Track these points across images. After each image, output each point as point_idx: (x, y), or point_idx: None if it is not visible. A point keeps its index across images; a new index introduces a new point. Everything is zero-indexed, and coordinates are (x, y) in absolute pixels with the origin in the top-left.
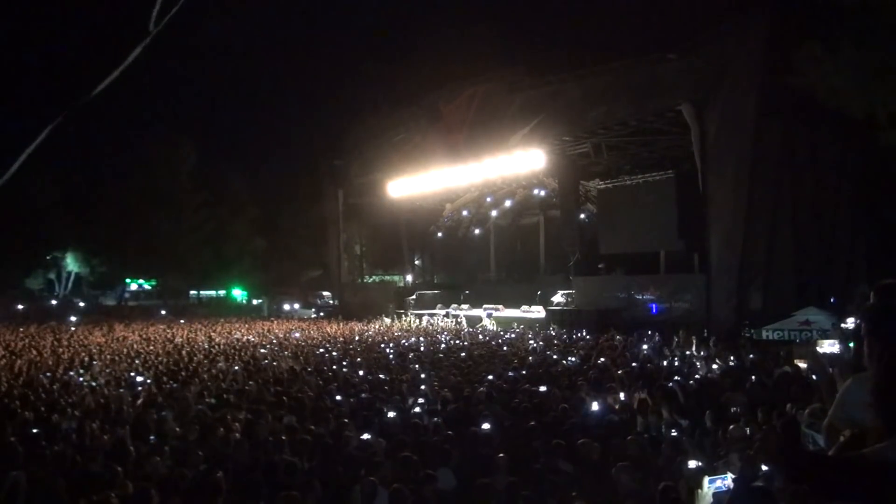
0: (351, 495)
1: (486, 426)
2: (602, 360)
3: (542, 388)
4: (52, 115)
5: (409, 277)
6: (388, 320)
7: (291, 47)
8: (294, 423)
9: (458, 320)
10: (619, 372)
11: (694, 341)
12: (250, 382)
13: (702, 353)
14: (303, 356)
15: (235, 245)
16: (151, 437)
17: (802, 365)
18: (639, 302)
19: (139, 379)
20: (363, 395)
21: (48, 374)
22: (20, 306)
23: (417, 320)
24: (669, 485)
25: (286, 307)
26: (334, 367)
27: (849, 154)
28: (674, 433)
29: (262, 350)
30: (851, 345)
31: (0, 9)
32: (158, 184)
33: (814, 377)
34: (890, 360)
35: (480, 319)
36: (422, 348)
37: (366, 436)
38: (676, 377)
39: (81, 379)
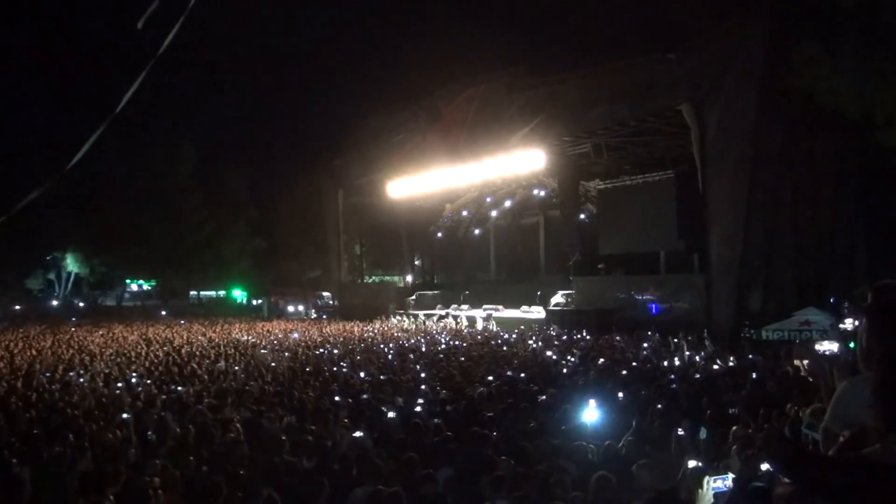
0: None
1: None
2: (602, 360)
3: (542, 398)
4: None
5: (409, 277)
6: (395, 320)
7: (291, 47)
8: (294, 423)
9: (459, 320)
10: (624, 372)
11: (703, 342)
12: (250, 382)
13: (702, 353)
14: (304, 356)
15: (235, 245)
16: (151, 437)
17: (802, 365)
18: (639, 302)
19: (139, 379)
20: (364, 395)
21: (48, 374)
22: (17, 307)
23: (425, 319)
24: (665, 490)
25: (290, 308)
26: (334, 367)
27: (848, 154)
28: (680, 432)
29: (263, 350)
30: (851, 345)
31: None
32: (158, 184)
33: (811, 378)
34: (892, 359)
35: (476, 321)
36: (423, 349)
37: (357, 433)
38: (676, 377)
39: (81, 379)
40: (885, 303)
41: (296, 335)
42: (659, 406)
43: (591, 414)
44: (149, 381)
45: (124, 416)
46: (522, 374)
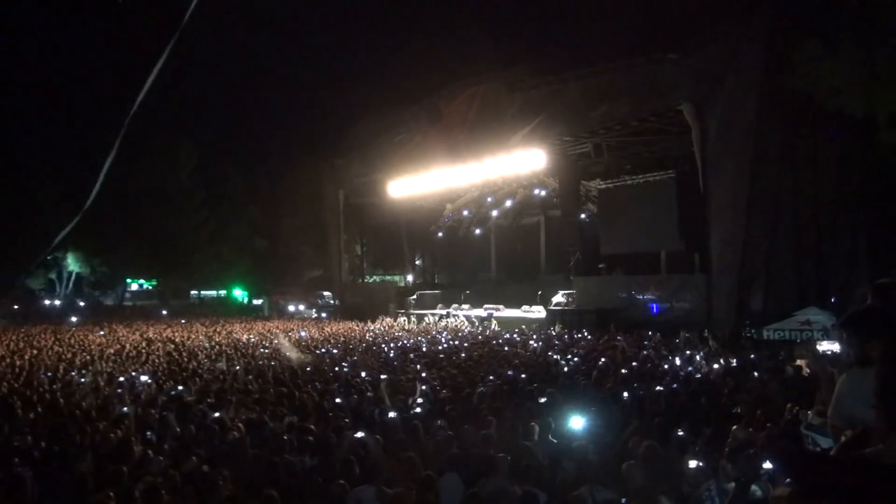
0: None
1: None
2: (603, 360)
3: (543, 398)
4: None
5: (410, 277)
6: (402, 320)
7: (292, 47)
8: (295, 423)
9: (458, 320)
10: (623, 371)
11: (703, 342)
12: (250, 378)
13: (703, 352)
14: (307, 357)
15: (235, 245)
16: (152, 438)
17: (803, 365)
18: (639, 302)
19: (140, 379)
20: (368, 393)
21: (49, 373)
22: (16, 306)
23: (433, 319)
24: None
25: (291, 308)
26: (335, 367)
27: (849, 154)
28: (680, 433)
29: (263, 350)
30: None
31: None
32: (158, 184)
33: (809, 376)
34: (892, 360)
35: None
36: (424, 348)
37: (360, 434)
38: (678, 377)
39: (82, 379)
40: (868, 307)
41: (303, 333)
42: (659, 406)
43: (577, 421)
44: (149, 381)
45: (125, 409)
46: (523, 375)
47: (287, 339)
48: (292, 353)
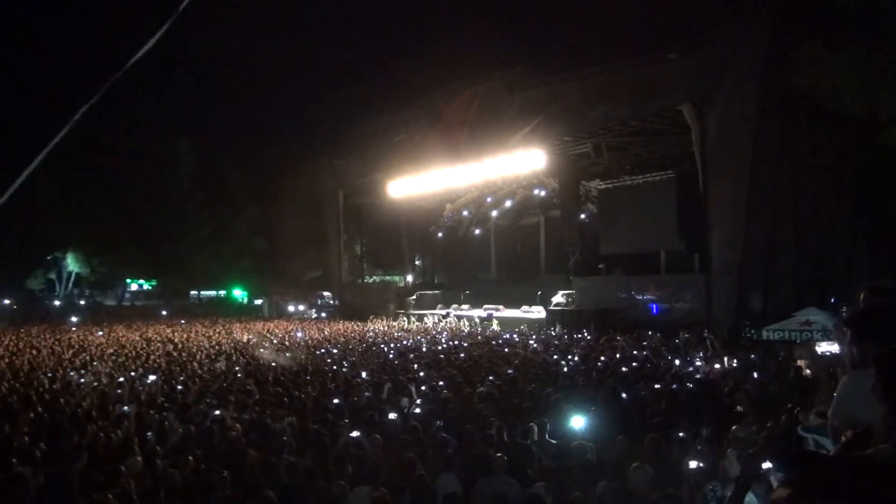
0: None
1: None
2: (602, 359)
3: (542, 399)
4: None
5: (410, 277)
6: (402, 320)
7: (292, 47)
8: (295, 423)
9: (452, 321)
10: (623, 369)
11: (703, 342)
12: (249, 380)
13: (702, 353)
14: (303, 356)
15: (235, 245)
16: (151, 437)
17: (803, 365)
18: (639, 302)
19: (144, 379)
20: (367, 394)
21: (49, 374)
22: (14, 306)
23: (432, 319)
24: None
25: (290, 308)
26: (335, 367)
27: (849, 153)
28: (681, 434)
29: (263, 350)
30: None
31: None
32: (158, 184)
33: (809, 376)
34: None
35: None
36: (424, 348)
37: (355, 433)
38: (677, 377)
39: (82, 379)
40: (868, 306)
41: (300, 334)
42: (659, 406)
43: (577, 421)
44: (149, 381)
45: (125, 408)
46: (523, 375)
47: (268, 344)
48: (277, 357)
